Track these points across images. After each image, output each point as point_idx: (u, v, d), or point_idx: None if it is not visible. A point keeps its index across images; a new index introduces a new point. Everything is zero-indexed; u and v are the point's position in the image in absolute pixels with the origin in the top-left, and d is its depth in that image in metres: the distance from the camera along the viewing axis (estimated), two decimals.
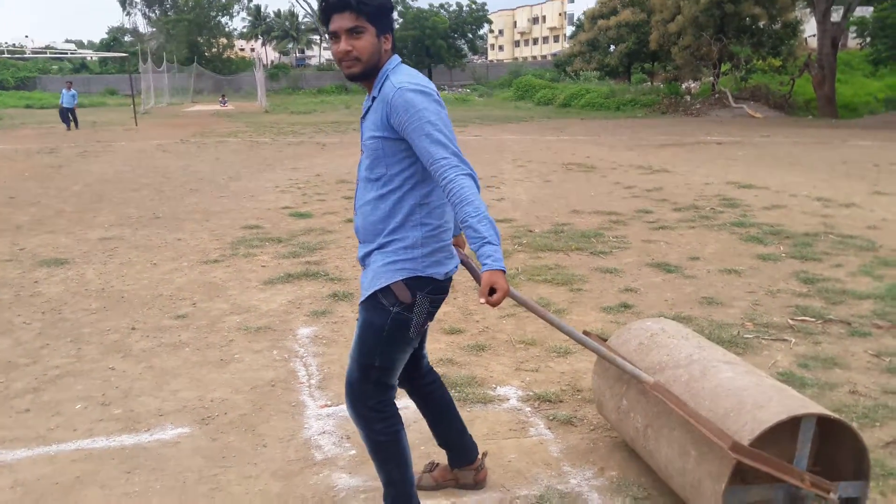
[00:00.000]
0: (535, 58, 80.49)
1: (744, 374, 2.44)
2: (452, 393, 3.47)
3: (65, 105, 22.16)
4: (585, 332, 2.94)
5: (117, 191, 10.06)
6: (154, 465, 2.90)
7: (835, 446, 2.37)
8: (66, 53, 52.55)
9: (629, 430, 2.71)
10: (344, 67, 2.19)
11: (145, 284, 5.41)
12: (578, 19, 50.60)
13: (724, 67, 29.17)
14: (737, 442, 2.14)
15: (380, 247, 2.21)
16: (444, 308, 4.77)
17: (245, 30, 63.85)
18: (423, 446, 2.98)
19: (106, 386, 3.64)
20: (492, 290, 1.99)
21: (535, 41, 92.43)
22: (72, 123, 22.23)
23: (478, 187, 2.08)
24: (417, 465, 2.69)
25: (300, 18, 67.76)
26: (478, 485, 2.70)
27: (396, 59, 2.23)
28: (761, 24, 27.24)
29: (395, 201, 2.18)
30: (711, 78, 29.05)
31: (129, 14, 58.29)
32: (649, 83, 36.32)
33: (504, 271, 2.02)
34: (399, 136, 2.11)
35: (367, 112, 2.22)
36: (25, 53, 46.50)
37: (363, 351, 2.27)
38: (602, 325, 4.35)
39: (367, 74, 2.18)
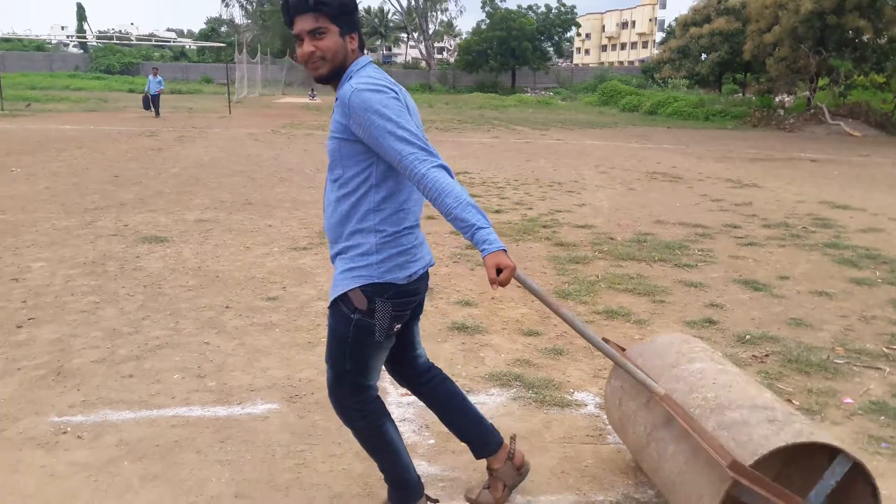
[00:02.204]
0: (621, 63, 79.15)
1: (685, 451, 2.37)
2: (529, 394, 3.52)
3: (151, 92, 22.37)
4: (605, 339, 2.93)
5: (212, 175, 10.54)
6: (245, 437, 3.06)
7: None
8: (168, 41, 55.11)
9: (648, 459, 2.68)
10: (310, 69, 2.16)
11: (238, 266, 5.68)
12: (669, 25, 49.41)
13: (821, 82, 27.89)
14: (736, 461, 2.11)
15: (340, 252, 2.22)
16: (521, 309, 4.81)
17: None
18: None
19: (202, 359, 3.85)
20: (498, 271, 1.97)
21: (623, 46, 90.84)
22: (152, 110, 22.31)
23: (451, 176, 2.04)
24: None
25: (389, 16, 68.84)
26: (522, 471, 2.62)
27: (364, 59, 2.21)
28: (865, 37, 25.88)
29: (352, 204, 2.17)
30: (807, 92, 27.82)
31: (227, 5, 60.64)
32: (741, 94, 35.12)
33: (505, 250, 1.98)
34: (356, 138, 2.09)
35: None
36: (131, 40, 49.05)
37: (333, 357, 2.30)
38: None
39: (333, 75, 2.16)
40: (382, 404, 2.44)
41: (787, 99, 30.21)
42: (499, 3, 51.62)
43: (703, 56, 34.19)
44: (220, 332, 4.25)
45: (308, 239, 6.65)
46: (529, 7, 53.12)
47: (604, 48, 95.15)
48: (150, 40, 47.34)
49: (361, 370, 2.30)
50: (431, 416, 3.27)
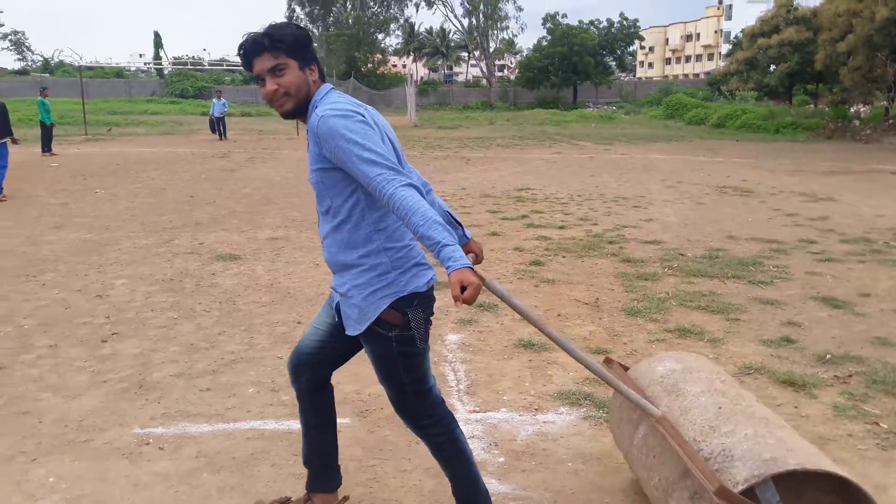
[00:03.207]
0: (686, 76, 77.69)
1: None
2: (600, 413, 3.47)
3: (215, 115, 22.77)
4: (607, 360, 2.88)
5: (282, 195, 10.84)
6: None
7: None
8: (239, 66, 57.09)
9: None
10: (277, 107, 2.19)
11: (309, 283, 5.81)
12: (736, 37, 48.23)
13: None
14: (723, 486, 2.00)
15: (353, 279, 2.22)
16: (589, 327, 4.75)
17: (398, 46, 66.48)
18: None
19: (275, 373, 3.95)
20: (463, 289, 1.95)
21: (688, 59, 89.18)
22: (220, 133, 22.69)
23: (422, 194, 2.04)
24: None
25: (450, 36, 69.62)
26: None
27: (326, 87, 2.22)
28: None
29: (350, 231, 2.19)
30: (885, 102, 26.67)
31: None
32: (813, 106, 33.93)
33: (471, 267, 1.96)
34: (334, 165, 2.10)
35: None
36: (203, 65, 51.09)
37: (389, 379, 2.34)
38: (762, 358, 4.15)
39: (299, 109, 2.19)
40: (449, 411, 2.48)
41: (862, 109, 29.03)
42: (560, 20, 51.52)
43: (772, 67, 33.23)
44: (293, 347, 4.33)
45: None
46: (591, 22, 52.74)
47: (668, 61, 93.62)
48: (222, 65, 49.19)
49: (418, 377, 2.34)
50: (500, 434, 3.28)
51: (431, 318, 2.32)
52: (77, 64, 40.51)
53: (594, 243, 7.36)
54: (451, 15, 76.08)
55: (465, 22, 57.33)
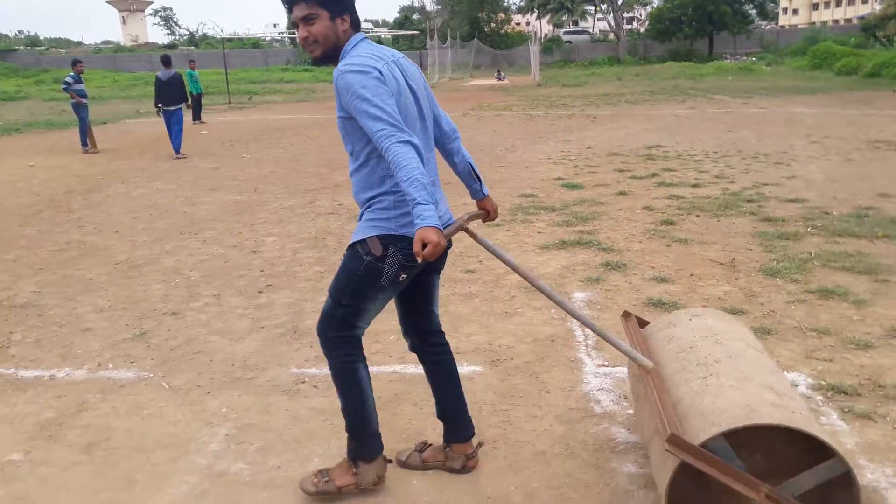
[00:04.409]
0: (836, 21, 71.04)
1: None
2: None
3: None
4: (626, 313, 2.90)
5: None
6: None
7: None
8: (368, 31, 58.33)
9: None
10: (308, 52, 2.36)
11: None
12: None
13: None
14: (676, 434, 1.95)
15: (366, 212, 2.42)
16: (724, 287, 4.66)
17: (522, 4, 65.23)
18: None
19: None
20: (425, 246, 2.07)
21: (838, 3, 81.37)
22: None
23: (418, 152, 2.16)
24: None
25: None
26: (464, 470, 2.72)
27: (357, 37, 2.36)
28: None
29: (367, 174, 2.37)
30: None
31: None
32: None
33: (437, 227, 2.08)
34: (351, 115, 2.26)
35: None
36: None
37: (337, 287, 2.48)
38: None
39: (328, 56, 2.35)
40: (362, 350, 2.58)
41: None
42: None
43: None
44: None
45: (501, 216, 6.88)
46: None
47: (815, 6, 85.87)
48: None
49: (356, 310, 2.46)
50: (628, 388, 3.35)
51: (411, 265, 2.40)
52: (219, 36, 42.97)
53: (731, 202, 7.11)
54: None
55: None
